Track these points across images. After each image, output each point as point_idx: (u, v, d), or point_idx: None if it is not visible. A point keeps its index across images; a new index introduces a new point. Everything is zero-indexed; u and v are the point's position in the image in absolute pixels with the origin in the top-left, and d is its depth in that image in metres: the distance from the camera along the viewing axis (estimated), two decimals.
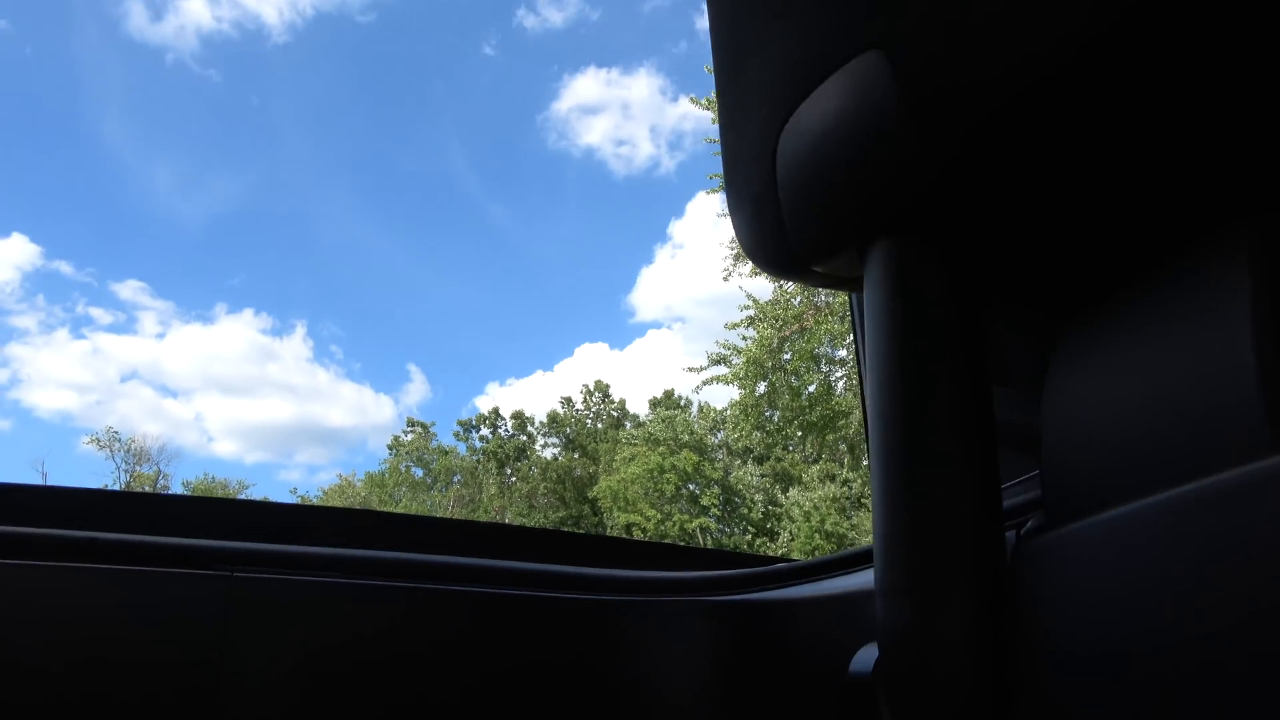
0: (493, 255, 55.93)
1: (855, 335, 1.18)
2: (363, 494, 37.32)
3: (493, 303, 57.02)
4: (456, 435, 38.48)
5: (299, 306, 55.25)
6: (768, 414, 14.30)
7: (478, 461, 37.01)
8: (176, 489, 38.38)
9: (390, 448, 38.23)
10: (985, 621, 0.40)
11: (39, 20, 49.35)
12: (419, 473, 36.94)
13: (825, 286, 0.53)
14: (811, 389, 13.51)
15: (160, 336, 51.85)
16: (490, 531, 0.96)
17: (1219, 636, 0.31)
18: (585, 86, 48.19)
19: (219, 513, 0.75)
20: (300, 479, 65.23)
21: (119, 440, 37.83)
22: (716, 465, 32.95)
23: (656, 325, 54.73)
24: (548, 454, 38.03)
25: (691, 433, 32.71)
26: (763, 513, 33.34)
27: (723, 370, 13.93)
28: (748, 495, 33.43)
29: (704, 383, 14.17)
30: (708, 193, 15.47)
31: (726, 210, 0.53)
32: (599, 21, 47.91)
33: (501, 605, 0.71)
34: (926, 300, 0.42)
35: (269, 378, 51.99)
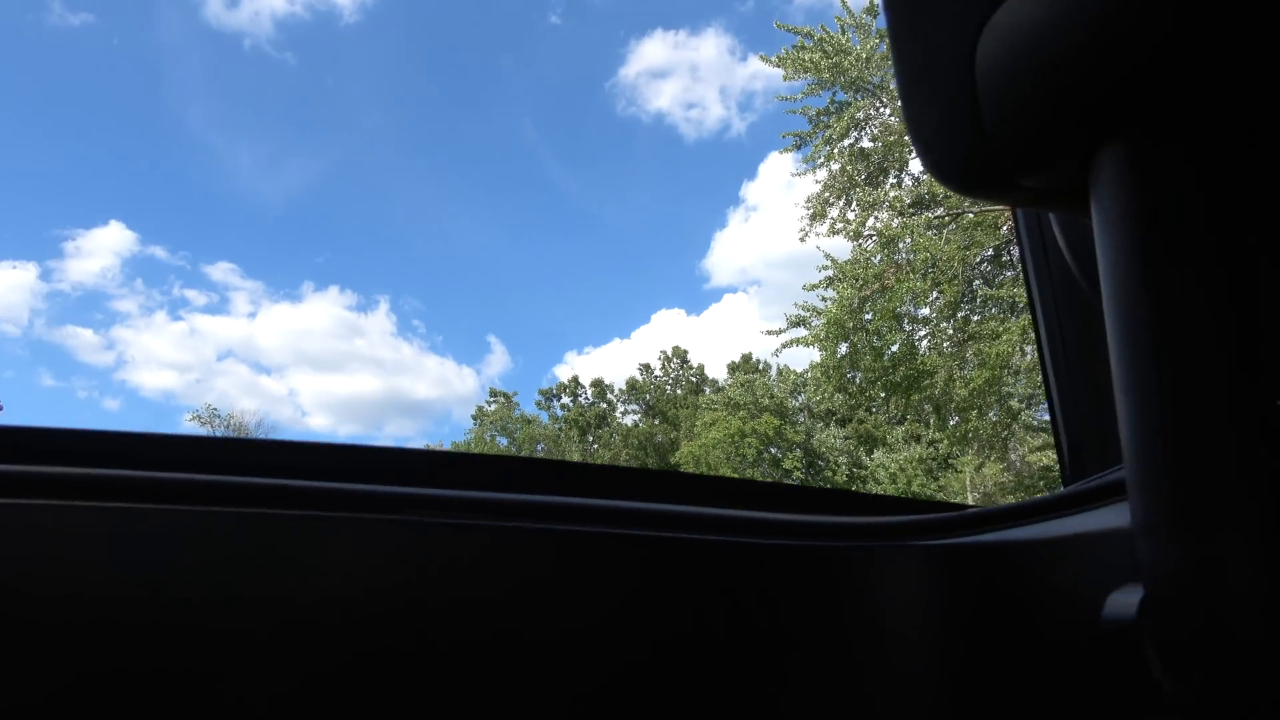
0: (567, 225, 56.29)
1: (1021, 252, 1.11)
2: None
3: (569, 272, 57.47)
4: (538, 404, 39.11)
5: (381, 282, 56.73)
6: (850, 375, 14.04)
7: (560, 429, 37.55)
8: None
9: (474, 418, 39.08)
10: (1275, 558, 0.36)
11: (123, 11, 51.38)
12: (503, 441, 37.69)
13: (1028, 205, 0.47)
14: (894, 349, 13.19)
15: (252, 316, 53.96)
16: (670, 480, 0.93)
17: None
18: (652, 50, 47.76)
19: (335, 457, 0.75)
20: None
21: (219, 416, 39.52)
22: (798, 428, 32.67)
23: (732, 290, 54.43)
24: (628, 421, 38.33)
25: (771, 396, 32.46)
26: (847, 475, 32.97)
27: (802, 332, 13.73)
28: (831, 458, 33.10)
29: (783, 346, 14.00)
30: (780, 152, 15.14)
31: (904, 128, 0.50)
32: None
33: (692, 551, 0.67)
34: (1177, 207, 0.37)
35: (356, 352, 53.68)
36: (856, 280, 12.78)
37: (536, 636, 0.62)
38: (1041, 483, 19.51)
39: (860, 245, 13.37)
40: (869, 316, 12.94)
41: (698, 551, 0.67)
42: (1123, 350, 0.39)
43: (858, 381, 14.17)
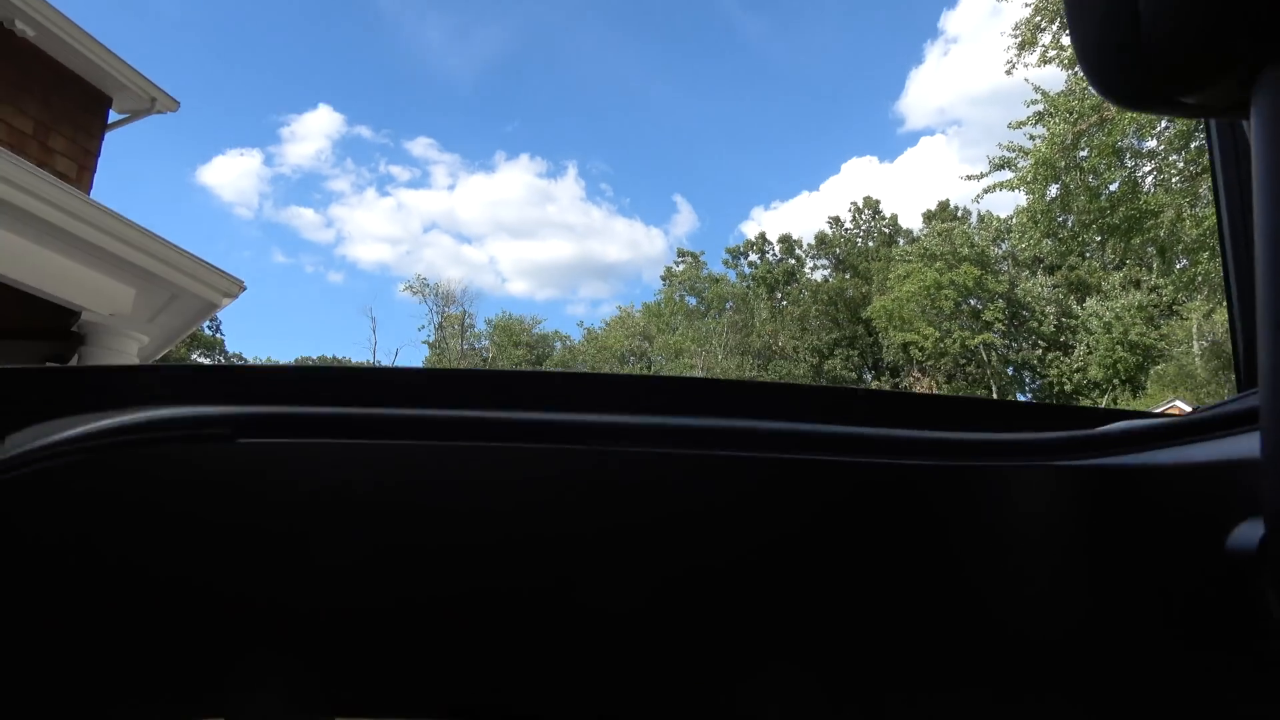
0: (750, 73, 54.17)
1: (1213, 169, 1.04)
2: (641, 323, 39.47)
3: (753, 124, 55.75)
4: (725, 263, 39.15)
5: (568, 147, 57.67)
6: (1060, 219, 13.07)
7: (748, 287, 37.54)
8: (480, 327, 42.91)
9: (663, 279, 39.80)
10: None
11: None
12: (692, 301, 38.28)
13: (1192, 116, 0.45)
14: (1114, 188, 12.09)
15: (451, 188, 56.84)
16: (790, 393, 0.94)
17: None
18: None
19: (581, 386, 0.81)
20: (585, 312, 70.03)
21: (428, 285, 42.65)
22: (1000, 278, 30.94)
23: (929, 132, 50.94)
24: (817, 276, 37.70)
25: (971, 245, 30.75)
26: (1054, 326, 31.12)
27: (1007, 175, 12.83)
28: (1037, 308, 31.27)
29: (985, 191, 13.17)
30: None
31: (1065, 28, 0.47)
32: None
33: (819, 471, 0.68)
34: None
35: (548, 219, 55.51)
36: (1070, 114, 11.69)
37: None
38: None
39: (1076, 74, 12.13)
40: (1084, 153, 11.87)
41: (832, 473, 0.69)
42: (1270, 275, 0.38)
43: (1069, 225, 13.18)
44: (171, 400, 0.65)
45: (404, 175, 58.12)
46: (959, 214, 34.05)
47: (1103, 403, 27.25)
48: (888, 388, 33.31)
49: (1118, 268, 29.04)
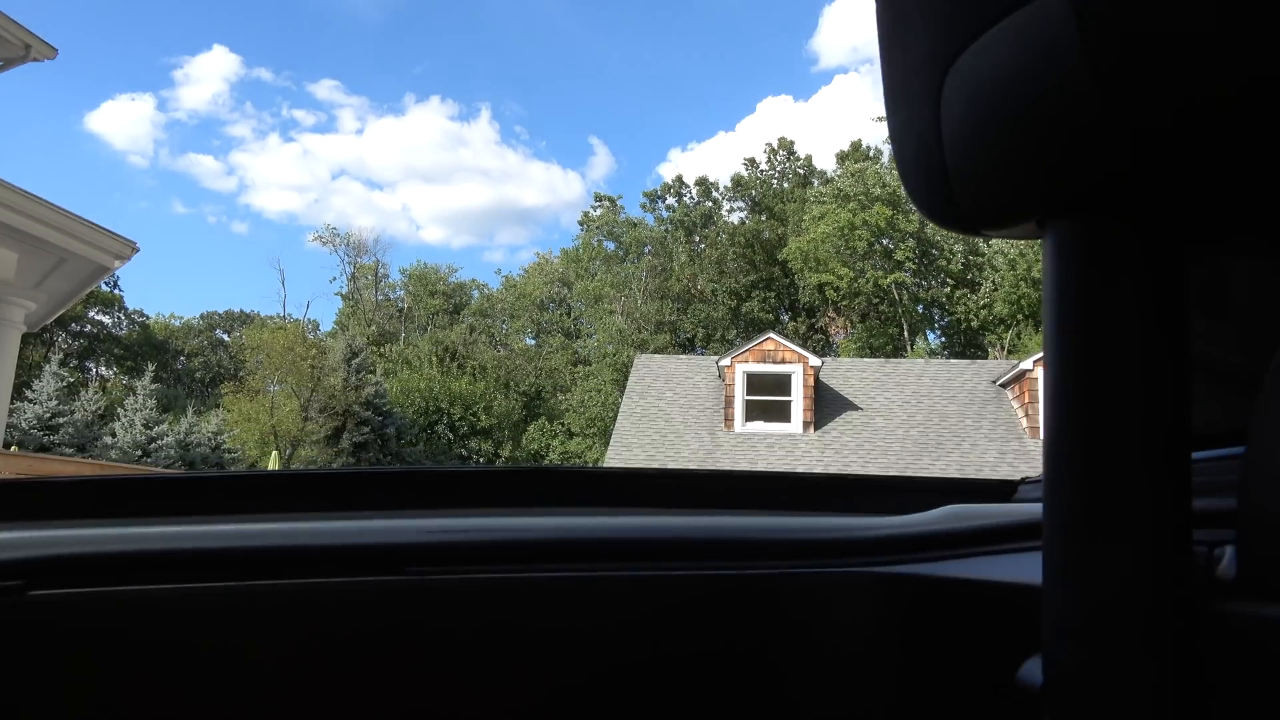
0: (664, 8, 53.32)
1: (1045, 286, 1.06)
2: (560, 269, 39.06)
3: (669, 64, 55.07)
4: (643, 207, 38.86)
5: (480, 88, 56.03)
6: None
7: (666, 231, 37.41)
8: (395, 277, 41.79)
9: (581, 223, 39.31)
10: (1167, 691, 0.35)
11: None
12: (610, 246, 37.98)
13: (1002, 238, 0.45)
14: None
15: (359, 132, 54.71)
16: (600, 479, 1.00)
17: None
18: None
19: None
20: (503, 259, 69.05)
21: (339, 235, 41.17)
22: (911, 217, 31.52)
23: (843, 70, 51.12)
24: (734, 219, 37.82)
25: (883, 185, 31.21)
26: (963, 264, 31.99)
27: None
28: (945, 246, 32.03)
29: None
30: None
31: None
32: None
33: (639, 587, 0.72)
34: (1120, 291, 0.36)
35: (462, 163, 54.05)
36: None
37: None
38: None
39: None
40: None
41: (623, 588, 0.71)
42: (1051, 430, 0.38)
43: None
44: None
45: (309, 119, 55.58)
46: (871, 154, 34.46)
47: (1008, 338, 28.28)
48: (804, 329, 33.70)
49: None
